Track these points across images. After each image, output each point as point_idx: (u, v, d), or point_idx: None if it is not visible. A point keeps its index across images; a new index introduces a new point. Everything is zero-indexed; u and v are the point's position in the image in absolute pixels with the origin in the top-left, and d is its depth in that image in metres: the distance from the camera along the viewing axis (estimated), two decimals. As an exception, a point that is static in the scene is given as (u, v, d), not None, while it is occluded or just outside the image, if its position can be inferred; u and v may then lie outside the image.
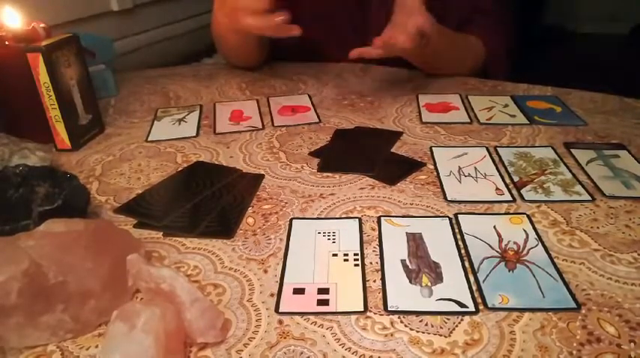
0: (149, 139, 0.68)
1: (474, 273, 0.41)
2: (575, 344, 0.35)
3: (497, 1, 0.88)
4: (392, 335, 0.36)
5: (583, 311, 0.38)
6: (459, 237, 0.46)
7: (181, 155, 0.63)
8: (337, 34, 0.92)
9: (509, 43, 0.89)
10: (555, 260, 0.43)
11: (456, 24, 0.82)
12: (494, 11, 0.87)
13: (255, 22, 0.69)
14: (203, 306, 0.35)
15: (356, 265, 0.43)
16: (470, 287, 0.40)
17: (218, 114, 0.74)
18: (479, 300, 0.39)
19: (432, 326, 0.37)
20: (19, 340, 0.36)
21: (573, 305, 0.38)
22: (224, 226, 0.48)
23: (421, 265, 0.43)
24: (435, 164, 0.58)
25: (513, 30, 0.91)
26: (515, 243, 0.45)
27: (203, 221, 0.49)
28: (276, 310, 0.38)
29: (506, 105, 0.74)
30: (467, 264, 0.43)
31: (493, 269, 0.42)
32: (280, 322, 0.38)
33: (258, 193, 0.54)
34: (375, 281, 0.41)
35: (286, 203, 0.52)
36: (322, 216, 0.50)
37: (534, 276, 0.41)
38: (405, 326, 0.37)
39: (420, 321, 0.37)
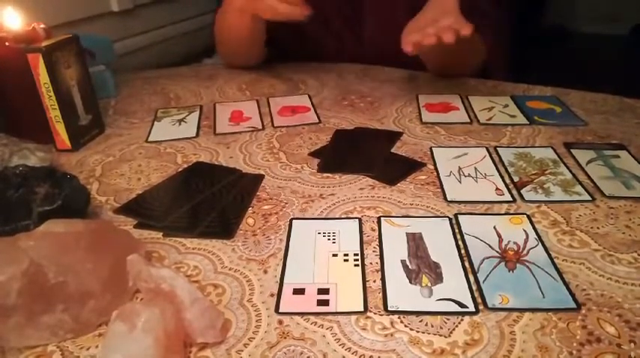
0: (149, 140, 0.68)
1: (474, 273, 0.41)
2: (575, 344, 0.35)
3: (495, 1, 0.88)
4: (392, 335, 0.36)
5: (583, 311, 0.38)
6: (459, 237, 0.46)
7: (181, 155, 0.63)
8: (331, 30, 0.93)
9: (507, 43, 0.89)
10: (555, 260, 0.43)
11: None
12: (491, 11, 0.87)
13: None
14: (203, 306, 0.35)
15: (356, 265, 0.43)
16: (470, 288, 0.40)
17: (218, 114, 0.74)
18: (479, 300, 0.39)
19: (432, 326, 0.37)
20: (19, 340, 0.36)
21: (573, 305, 0.38)
22: (224, 226, 0.48)
23: (421, 265, 0.43)
24: (435, 164, 0.58)
25: (511, 30, 0.91)
26: (515, 243, 0.45)
27: (203, 221, 0.49)
28: (276, 310, 0.38)
29: (506, 106, 0.74)
30: (467, 264, 0.43)
31: (493, 269, 0.42)
32: (280, 322, 0.38)
33: (258, 193, 0.54)
34: (375, 281, 0.41)
35: (286, 203, 0.52)
36: (322, 217, 0.50)
37: (534, 276, 0.41)
38: (405, 326, 0.37)
39: (420, 321, 0.37)
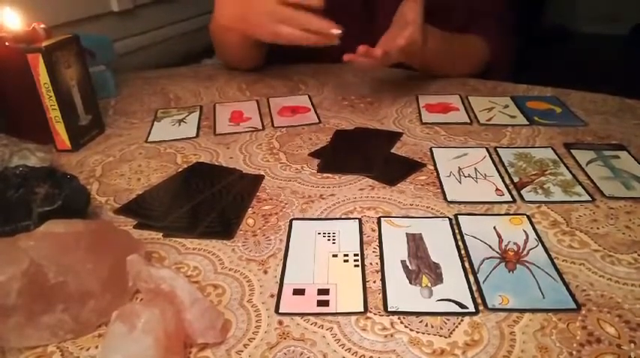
0: (149, 140, 0.68)
1: (474, 274, 0.41)
2: (575, 345, 0.35)
3: (500, 1, 0.88)
4: (392, 335, 0.36)
5: (583, 312, 0.38)
6: (459, 237, 0.46)
7: (181, 156, 0.63)
8: (343, 36, 0.92)
9: (513, 43, 0.89)
10: (555, 260, 0.43)
11: (458, 25, 0.82)
12: (496, 11, 0.87)
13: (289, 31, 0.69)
14: (203, 307, 0.35)
15: (356, 266, 0.43)
16: (470, 288, 0.40)
17: (218, 114, 0.74)
18: (479, 301, 0.39)
19: (432, 326, 0.37)
20: (19, 340, 0.36)
21: (573, 305, 0.38)
22: (224, 227, 0.48)
23: (421, 266, 0.43)
24: (435, 165, 0.58)
25: (516, 30, 0.91)
26: (515, 243, 0.45)
27: (203, 222, 0.49)
28: (276, 311, 0.38)
29: (506, 106, 0.74)
30: (467, 265, 0.43)
31: (493, 269, 0.42)
32: (280, 323, 0.38)
33: (258, 194, 0.54)
34: (375, 281, 0.41)
35: (286, 204, 0.52)
36: (322, 217, 0.50)
37: (534, 277, 0.41)
38: (405, 326, 0.37)
39: (420, 322, 0.37)
